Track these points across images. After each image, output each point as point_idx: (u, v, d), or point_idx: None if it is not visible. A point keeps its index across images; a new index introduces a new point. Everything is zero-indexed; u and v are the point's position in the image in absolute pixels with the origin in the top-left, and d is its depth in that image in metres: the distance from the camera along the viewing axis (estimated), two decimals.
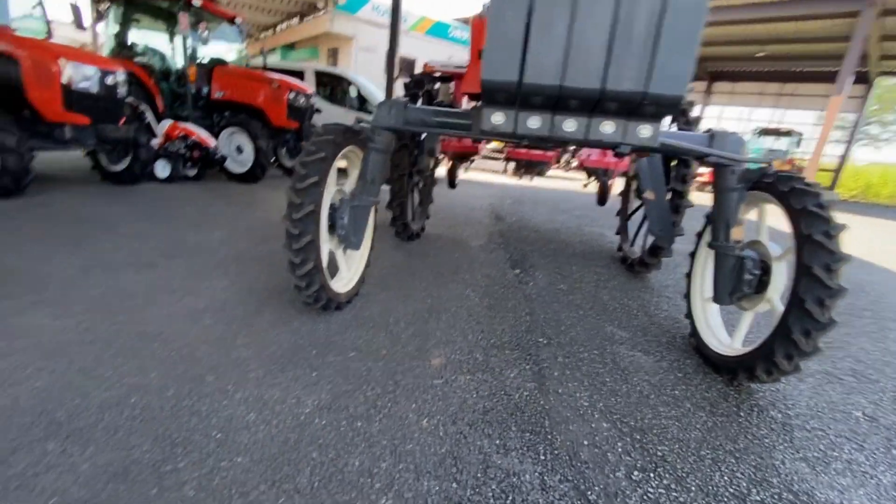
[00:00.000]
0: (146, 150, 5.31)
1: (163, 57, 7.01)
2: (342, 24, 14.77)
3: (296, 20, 17.45)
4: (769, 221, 2.21)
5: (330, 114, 8.98)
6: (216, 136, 6.48)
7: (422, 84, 3.79)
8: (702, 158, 2.04)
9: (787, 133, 16.17)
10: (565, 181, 12.22)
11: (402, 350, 2.10)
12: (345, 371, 1.87)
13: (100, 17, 7.07)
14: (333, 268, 2.54)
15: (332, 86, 9.61)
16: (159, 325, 2.10)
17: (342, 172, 2.50)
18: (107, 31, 6.90)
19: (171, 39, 6.94)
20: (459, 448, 1.49)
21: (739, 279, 2.09)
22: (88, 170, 5.48)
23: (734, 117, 22.56)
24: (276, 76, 6.96)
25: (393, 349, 2.10)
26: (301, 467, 1.34)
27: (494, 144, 5.44)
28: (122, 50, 6.71)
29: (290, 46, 19.88)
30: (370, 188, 2.33)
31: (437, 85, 4.31)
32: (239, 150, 6.60)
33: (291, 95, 6.90)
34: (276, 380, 1.77)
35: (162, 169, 5.81)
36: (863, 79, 16.98)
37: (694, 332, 2.47)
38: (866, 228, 9.63)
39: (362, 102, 9.20)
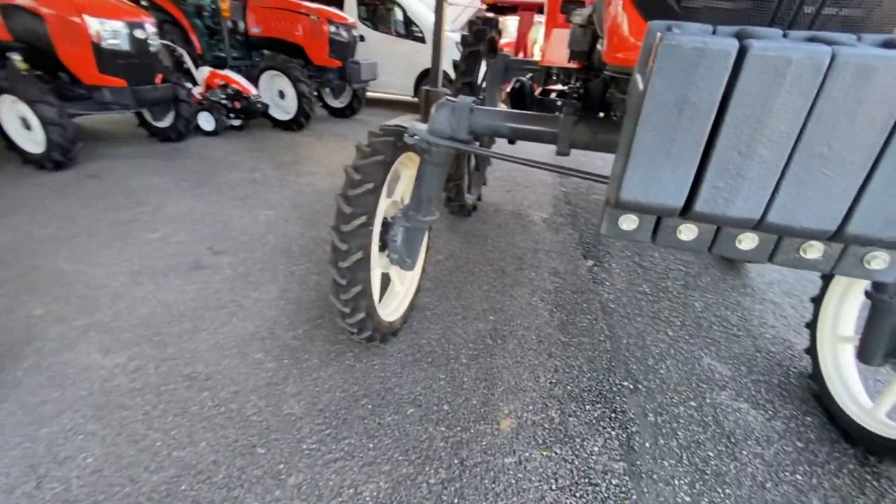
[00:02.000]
0: (188, 105, 5.03)
1: None
2: None
3: None
4: None
5: (373, 41, 8.16)
6: (256, 80, 6.05)
7: (483, 35, 3.08)
8: None
9: None
10: None
11: (466, 404, 1.86)
12: (403, 441, 1.66)
13: None
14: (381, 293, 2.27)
15: (375, 7, 8.59)
16: (207, 363, 1.97)
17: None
18: None
19: None
20: None
21: None
22: (135, 126, 5.34)
23: None
24: (315, 6, 6.23)
25: (455, 402, 1.86)
26: None
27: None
28: None
29: None
30: (426, 206, 1.95)
31: (499, 22, 3.56)
32: (281, 94, 6.17)
33: (332, 28, 6.21)
34: (332, 454, 1.60)
35: (206, 121, 5.56)
36: None
37: (817, 377, 2.04)
38: None
39: (408, 25, 8.20)
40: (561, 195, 4.52)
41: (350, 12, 7.90)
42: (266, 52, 6.40)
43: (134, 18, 4.26)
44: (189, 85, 5.48)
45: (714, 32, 0.75)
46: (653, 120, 0.73)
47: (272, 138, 5.85)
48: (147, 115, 5.14)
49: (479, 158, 4.04)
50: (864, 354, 1.73)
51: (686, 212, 0.82)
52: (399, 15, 8.20)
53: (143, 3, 6.10)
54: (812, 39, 0.71)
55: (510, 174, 5.04)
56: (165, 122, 5.13)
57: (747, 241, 0.90)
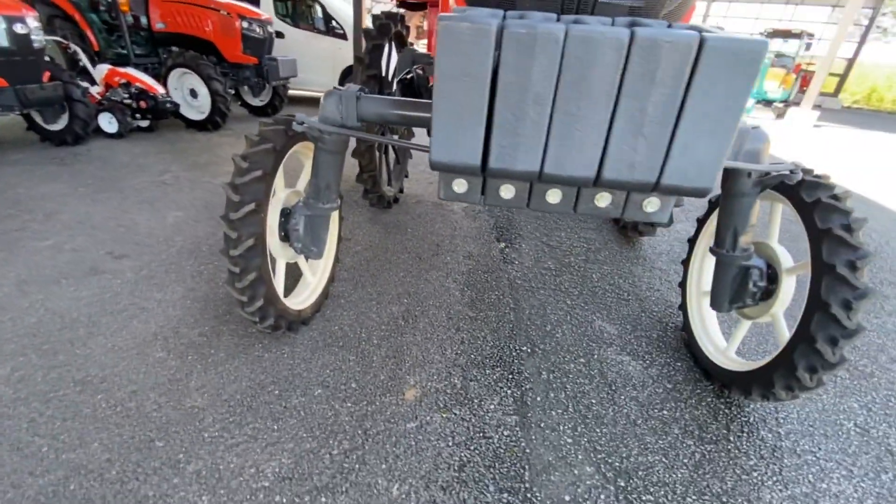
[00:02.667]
0: (84, 106, 4.67)
1: None
2: None
3: None
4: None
5: (294, 39, 7.98)
6: (164, 77, 5.73)
7: (388, 29, 3.17)
8: None
9: (798, 35, 14.89)
10: None
11: (374, 380, 1.94)
12: (309, 419, 1.72)
13: None
14: (292, 283, 2.30)
15: (294, 3, 8.38)
16: (103, 366, 1.90)
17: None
18: None
19: None
20: None
21: (743, 290, 1.88)
22: (24, 130, 4.87)
23: (740, 15, 20.63)
24: (225, 1, 5.99)
25: (363, 380, 1.94)
26: None
27: None
28: None
29: None
30: (325, 194, 2.00)
31: (408, 17, 3.67)
32: (193, 93, 5.89)
33: (245, 24, 6.01)
34: (234, 439, 1.62)
35: (108, 123, 5.19)
36: None
37: (686, 328, 2.33)
38: (869, 150, 9.29)
39: (328, 22, 8.09)
40: None
41: (266, 9, 7.66)
42: (174, 49, 6.06)
43: (12, 12, 3.91)
44: (86, 84, 5.10)
45: (504, 17, 0.89)
46: (443, 92, 0.86)
47: (186, 139, 5.58)
48: (37, 118, 4.71)
49: (399, 152, 4.13)
50: (714, 302, 2.01)
51: (485, 169, 0.96)
52: (319, 12, 8.07)
53: None
54: (576, 22, 0.86)
55: None
56: (59, 125, 4.73)
57: (553, 196, 1.06)
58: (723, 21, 21.23)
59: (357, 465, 1.56)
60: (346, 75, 8.08)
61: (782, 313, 1.85)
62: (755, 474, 1.65)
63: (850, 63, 17.43)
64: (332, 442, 1.64)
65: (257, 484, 1.47)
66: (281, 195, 2.05)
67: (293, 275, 2.37)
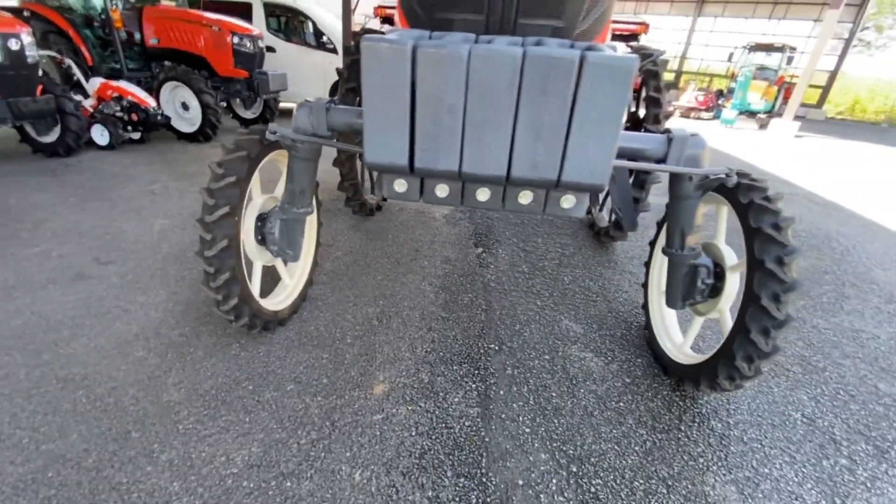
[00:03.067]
0: (76, 118, 4.80)
1: None
2: None
3: None
4: None
5: (286, 53, 8.17)
6: (156, 91, 5.87)
7: None
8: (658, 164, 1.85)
9: (780, 48, 15.31)
10: None
11: (345, 376, 2.04)
12: (280, 412, 1.81)
13: None
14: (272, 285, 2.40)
15: (286, 18, 8.61)
16: (85, 365, 1.98)
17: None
18: None
19: None
20: None
21: (693, 287, 2.00)
22: (17, 142, 4.98)
23: (725, 29, 21.17)
24: (216, 16, 6.17)
25: (335, 376, 2.03)
26: None
27: None
28: None
29: None
30: (300, 199, 2.11)
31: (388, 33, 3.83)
32: (185, 106, 6.03)
33: (236, 39, 6.18)
34: (207, 430, 1.71)
35: (100, 135, 5.31)
36: None
37: (648, 326, 2.44)
38: (848, 160, 9.53)
39: (319, 37, 8.31)
40: None
41: (258, 24, 7.87)
42: (167, 63, 6.22)
43: (7, 29, 4.04)
44: (79, 97, 5.23)
45: (430, 37, 1.02)
46: (371, 103, 0.99)
47: (177, 151, 5.70)
48: (30, 130, 4.82)
49: None
50: (669, 300, 2.13)
51: (412, 169, 1.08)
52: (310, 27, 8.28)
53: (25, 13, 5.74)
54: (490, 42, 0.99)
55: None
56: (51, 137, 4.85)
57: (482, 194, 1.18)
58: (709, 35, 21.74)
59: (323, 454, 1.64)
60: (336, 88, 8.26)
61: (728, 308, 1.97)
62: (701, 460, 1.75)
63: (832, 75, 17.89)
64: (301, 432, 1.73)
65: (227, 471, 1.55)
66: (258, 200, 2.17)
67: (275, 278, 2.47)
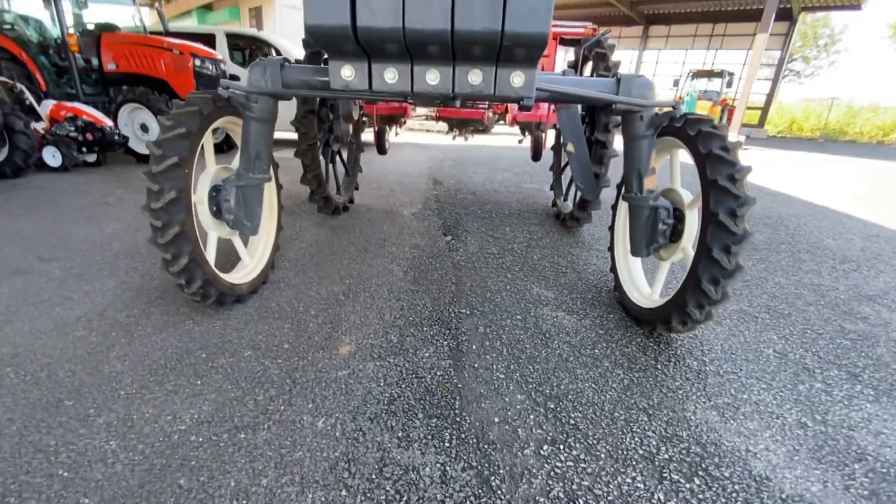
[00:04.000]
0: (26, 137, 4.62)
1: (39, 26, 6.07)
2: None
3: None
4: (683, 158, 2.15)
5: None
6: (114, 114, 5.76)
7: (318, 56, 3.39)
8: (608, 106, 1.90)
9: (719, 74, 16.59)
10: (510, 137, 12.04)
11: (308, 342, 1.92)
12: (235, 375, 1.67)
13: None
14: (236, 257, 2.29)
15: (250, 50, 8.73)
16: (16, 345, 1.80)
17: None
18: None
19: (47, 4, 5.97)
20: (356, 448, 1.36)
21: (654, 230, 2.02)
22: None
23: (671, 61, 22.87)
24: (177, 41, 6.20)
25: (297, 342, 1.91)
26: (163, 500, 1.16)
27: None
28: None
29: (208, 7, 18.04)
30: (256, 164, 2.06)
31: None
32: (144, 128, 5.92)
33: (197, 62, 6.19)
34: (152, 394, 1.55)
35: (52, 157, 5.12)
36: (787, 15, 17.49)
37: (617, 286, 2.43)
38: (790, 164, 10.18)
39: None
40: (433, 196, 4.86)
41: (222, 53, 7.93)
42: (125, 87, 6.14)
43: None
44: (33, 123, 5.06)
45: None
46: None
47: (135, 172, 5.53)
48: None
49: (347, 165, 4.25)
50: (634, 248, 2.14)
51: (355, 29, 1.07)
52: (274, 54, 8.41)
53: None
54: None
55: (386, 181, 5.31)
56: None
57: (432, 75, 1.18)
58: (655, 66, 23.39)
59: (282, 407, 1.51)
60: None
61: (691, 246, 1.99)
62: (680, 392, 1.70)
63: (769, 98, 19.40)
64: (258, 391, 1.59)
65: (173, 428, 1.40)
66: (211, 169, 2.10)
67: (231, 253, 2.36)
